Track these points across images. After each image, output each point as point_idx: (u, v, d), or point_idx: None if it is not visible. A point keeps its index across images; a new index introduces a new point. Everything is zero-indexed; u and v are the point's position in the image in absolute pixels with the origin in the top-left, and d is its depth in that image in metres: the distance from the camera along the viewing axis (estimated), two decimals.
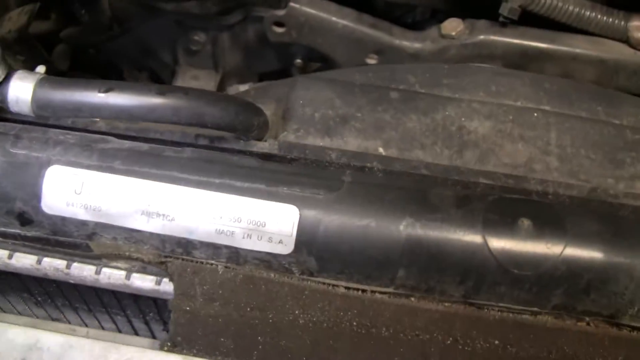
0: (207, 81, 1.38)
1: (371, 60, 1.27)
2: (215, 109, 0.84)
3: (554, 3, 1.19)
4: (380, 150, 0.89)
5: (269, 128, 0.91)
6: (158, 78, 1.48)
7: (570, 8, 1.19)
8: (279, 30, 1.26)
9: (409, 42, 1.25)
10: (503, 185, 0.87)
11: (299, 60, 1.33)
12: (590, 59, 1.22)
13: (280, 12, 1.24)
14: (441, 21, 1.28)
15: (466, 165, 0.88)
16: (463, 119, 0.92)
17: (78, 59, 1.43)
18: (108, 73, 1.45)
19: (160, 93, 0.82)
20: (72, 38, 1.41)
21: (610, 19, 1.20)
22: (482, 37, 1.23)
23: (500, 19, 1.21)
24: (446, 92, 0.97)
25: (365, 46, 1.26)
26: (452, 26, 1.24)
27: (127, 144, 0.87)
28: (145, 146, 0.87)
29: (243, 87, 1.37)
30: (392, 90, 0.95)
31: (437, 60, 1.25)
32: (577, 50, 1.22)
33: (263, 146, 0.90)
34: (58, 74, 1.26)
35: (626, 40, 1.21)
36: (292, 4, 1.24)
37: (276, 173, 0.85)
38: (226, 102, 0.86)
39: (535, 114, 0.93)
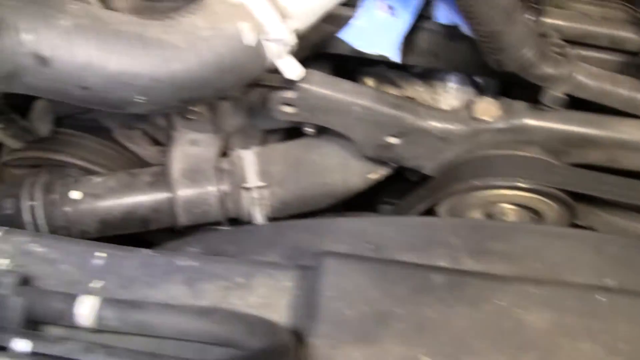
0: (207, 146, 1.24)
1: (392, 140, 1.13)
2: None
3: (603, 88, 1.05)
4: None
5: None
6: (152, 137, 1.33)
7: (622, 92, 1.06)
8: (289, 110, 1.11)
9: (436, 123, 1.11)
10: None
11: (310, 130, 1.18)
12: (639, 146, 1.10)
13: (291, 95, 1.09)
14: None
15: None
16: (519, 310, 0.81)
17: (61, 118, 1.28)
18: (96, 132, 1.30)
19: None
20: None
21: None
22: (520, 121, 1.10)
23: (544, 107, 1.08)
24: (497, 265, 0.85)
25: (385, 128, 1.12)
26: (487, 109, 1.10)
27: None
28: None
29: (247, 153, 1.22)
30: (435, 273, 0.82)
31: (466, 143, 1.11)
32: (625, 137, 1.10)
33: None
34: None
35: None
36: (303, 84, 1.08)
37: None
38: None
39: (597, 296, 0.82)
